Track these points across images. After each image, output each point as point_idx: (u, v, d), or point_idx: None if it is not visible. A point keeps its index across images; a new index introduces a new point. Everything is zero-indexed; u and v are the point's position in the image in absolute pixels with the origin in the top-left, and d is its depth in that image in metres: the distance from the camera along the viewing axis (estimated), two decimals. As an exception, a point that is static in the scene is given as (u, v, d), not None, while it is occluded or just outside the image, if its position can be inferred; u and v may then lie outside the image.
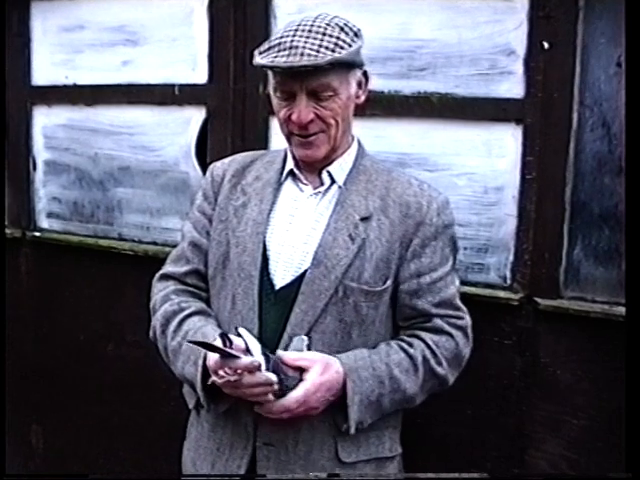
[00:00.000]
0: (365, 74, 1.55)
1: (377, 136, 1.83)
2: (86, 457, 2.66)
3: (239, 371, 1.34)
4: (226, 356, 1.33)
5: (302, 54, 1.38)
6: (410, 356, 1.52)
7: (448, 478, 1.91)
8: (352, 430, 1.47)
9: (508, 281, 1.92)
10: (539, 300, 1.86)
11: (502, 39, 1.85)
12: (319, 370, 1.42)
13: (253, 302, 1.52)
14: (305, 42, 1.39)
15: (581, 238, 1.84)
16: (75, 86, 2.54)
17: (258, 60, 1.44)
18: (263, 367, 1.35)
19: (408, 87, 1.96)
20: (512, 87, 1.85)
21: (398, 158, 1.98)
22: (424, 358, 1.52)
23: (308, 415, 1.44)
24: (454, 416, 1.98)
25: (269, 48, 1.43)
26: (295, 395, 1.40)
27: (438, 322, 1.56)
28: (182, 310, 1.59)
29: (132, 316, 2.35)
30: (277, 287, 1.53)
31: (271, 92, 1.52)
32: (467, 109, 1.90)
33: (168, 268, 1.71)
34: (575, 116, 1.80)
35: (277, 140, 2.15)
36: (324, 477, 1.52)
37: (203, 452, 1.63)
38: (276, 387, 1.38)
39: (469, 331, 1.61)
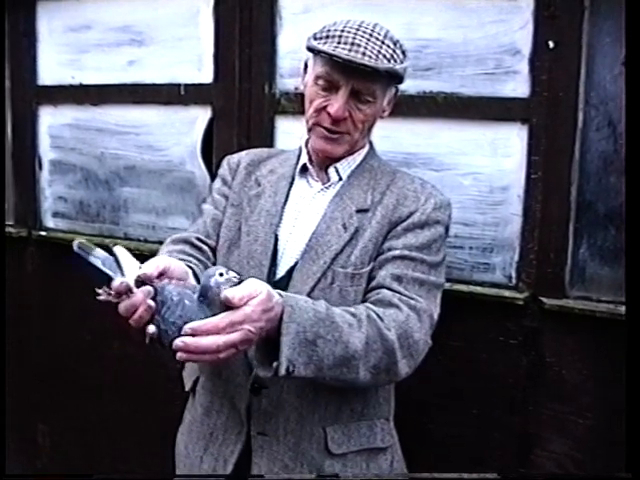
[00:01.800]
0: (396, 92, 1.58)
1: (383, 136, 1.83)
2: (92, 456, 2.67)
3: (112, 292, 1.23)
4: (104, 274, 1.25)
5: (364, 54, 1.40)
6: (352, 313, 1.36)
7: (448, 478, 1.91)
8: (282, 370, 1.23)
9: (513, 280, 1.92)
10: (544, 299, 1.86)
11: (507, 39, 1.85)
12: (264, 298, 1.21)
13: None
14: (367, 43, 1.41)
15: (587, 237, 1.84)
16: (81, 86, 2.55)
17: (316, 45, 1.44)
18: (136, 290, 1.22)
19: (414, 87, 1.96)
20: (517, 87, 1.86)
21: (404, 158, 1.99)
22: (368, 316, 1.36)
23: (236, 351, 1.21)
24: (459, 416, 1.98)
25: (327, 37, 1.43)
26: (234, 314, 1.19)
27: (387, 294, 1.42)
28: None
29: (138, 315, 2.36)
30: (277, 277, 1.53)
31: (309, 80, 1.52)
32: (472, 109, 1.91)
33: (187, 234, 1.64)
34: (581, 115, 1.80)
35: (283, 140, 2.17)
36: (323, 478, 1.52)
37: (195, 436, 1.63)
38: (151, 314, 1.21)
39: (425, 318, 1.43)
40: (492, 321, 1.91)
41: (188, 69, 2.33)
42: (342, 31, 1.43)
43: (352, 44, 1.40)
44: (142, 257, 2.37)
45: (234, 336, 1.17)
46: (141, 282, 1.24)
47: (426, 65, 1.95)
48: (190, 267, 1.43)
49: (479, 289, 1.92)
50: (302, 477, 1.50)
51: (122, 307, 1.24)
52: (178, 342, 1.17)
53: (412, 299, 1.43)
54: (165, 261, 1.31)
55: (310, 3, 2.09)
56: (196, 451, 1.62)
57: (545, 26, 1.80)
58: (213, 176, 2.25)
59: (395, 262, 1.47)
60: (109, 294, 1.25)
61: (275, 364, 1.24)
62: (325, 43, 1.43)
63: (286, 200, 1.60)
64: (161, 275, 1.27)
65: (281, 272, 1.54)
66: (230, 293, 1.18)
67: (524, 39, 1.83)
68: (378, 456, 1.58)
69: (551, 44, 1.79)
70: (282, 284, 1.50)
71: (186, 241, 1.61)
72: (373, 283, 1.48)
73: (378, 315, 1.38)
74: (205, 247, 1.62)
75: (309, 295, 1.45)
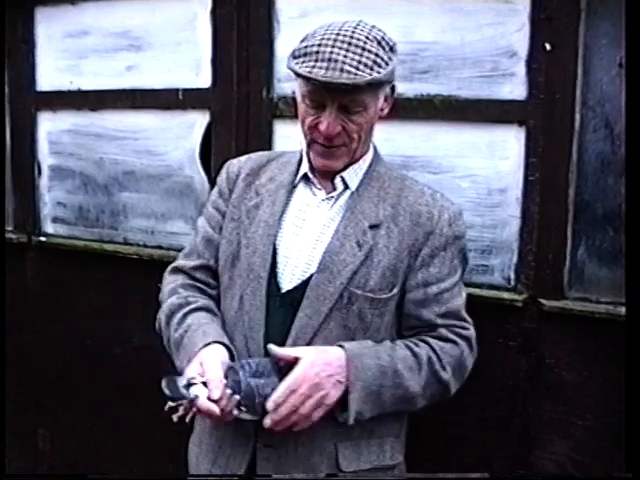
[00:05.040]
0: (392, 88, 1.55)
1: (381, 139, 1.83)
2: (93, 461, 2.67)
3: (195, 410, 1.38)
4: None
5: (342, 69, 1.35)
6: (415, 354, 1.50)
7: (448, 478, 1.91)
8: (351, 420, 1.43)
9: (512, 282, 1.92)
10: (543, 301, 1.86)
11: (504, 41, 1.85)
12: (311, 354, 1.42)
13: (261, 303, 1.52)
14: (345, 56, 1.36)
15: (585, 239, 1.85)
16: (80, 91, 2.56)
17: (294, 67, 1.40)
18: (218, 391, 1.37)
19: (411, 89, 1.96)
20: (514, 89, 1.86)
21: (402, 161, 1.99)
22: (429, 359, 1.50)
23: (320, 405, 1.41)
24: (460, 417, 1.98)
25: (305, 54, 1.39)
26: (284, 384, 1.39)
27: (443, 331, 1.55)
28: (188, 304, 1.60)
29: (138, 320, 2.36)
30: (283, 290, 1.53)
31: (298, 97, 1.50)
32: (470, 111, 1.91)
33: (179, 261, 1.73)
34: (578, 117, 1.81)
35: (281, 144, 2.17)
36: (324, 477, 1.52)
37: (205, 448, 1.64)
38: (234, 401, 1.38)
39: (474, 342, 1.61)
40: (491, 323, 1.90)
41: (186, 74, 2.33)
42: (319, 45, 1.38)
43: (329, 60, 1.36)
44: (142, 262, 2.40)
45: (299, 399, 1.39)
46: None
47: (423, 68, 1.95)
48: (208, 308, 1.62)
49: (478, 291, 1.92)
50: (307, 477, 1.51)
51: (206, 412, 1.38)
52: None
53: (463, 328, 1.59)
54: (217, 358, 1.45)
55: (307, 7, 2.10)
56: (205, 463, 1.63)
57: (542, 28, 1.80)
58: (212, 180, 2.26)
59: (437, 300, 1.55)
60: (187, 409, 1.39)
61: (344, 417, 1.44)
62: (303, 62, 1.38)
63: (285, 209, 1.59)
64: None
65: (287, 284, 1.53)
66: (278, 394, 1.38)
67: (521, 41, 1.84)
68: (387, 474, 1.61)
69: (548, 46, 1.79)
70: (293, 298, 1.51)
71: (183, 272, 1.70)
72: (422, 323, 1.56)
73: (437, 354, 1.52)
74: (199, 274, 1.68)
75: (327, 316, 1.49)
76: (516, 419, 1.93)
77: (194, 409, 1.36)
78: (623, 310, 1.76)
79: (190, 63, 2.32)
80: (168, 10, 2.34)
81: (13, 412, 2.69)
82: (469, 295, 1.80)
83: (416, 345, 1.52)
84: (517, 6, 1.83)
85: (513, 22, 1.84)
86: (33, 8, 2.60)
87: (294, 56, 1.42)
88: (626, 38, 1.68)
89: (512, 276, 1.92)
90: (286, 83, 2.14)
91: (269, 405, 1.37)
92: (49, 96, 2.64)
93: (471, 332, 1.60)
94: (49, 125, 2.66)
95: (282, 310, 1.52)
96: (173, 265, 1.74)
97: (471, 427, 1.98)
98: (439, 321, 1.55)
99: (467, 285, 1.92)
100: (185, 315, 1.58)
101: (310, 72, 1.37)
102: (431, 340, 1.54)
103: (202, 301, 1.62)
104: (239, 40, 2.20)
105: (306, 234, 1.55)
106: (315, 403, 1.39)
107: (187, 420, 1.39)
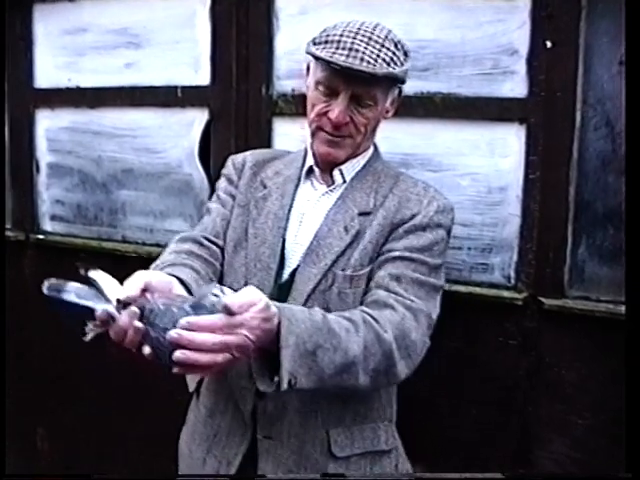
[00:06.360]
0: (399, 92, 1.57)
1: (380, 137, 1.83)
2: (92, 460, 2.66)
3: (98, 323, 1.19)
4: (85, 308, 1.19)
5: (362, 59, 1.39)
6: (348, 318, 1.32)
7: (449, 478, 1.91)
8: (284, 384, 1.19)
9: (512, 281, 1.92)
10: (543, 300, 1.85)
11: (505, 39, 1.85)
12: (262, 307, 1.18)
13: (269, 295, 1.46)
14: (365, 48, 1.40)
15: (585, 237, 1.84)
16: (78, 89, 2.55)
17: (314, 51, 1.43)
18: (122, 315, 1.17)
19: (411, 87, 1.95)
20: (515, 87, 1.85)
21: (401, 159, 1.99)
22: (364, 320, 1.33)
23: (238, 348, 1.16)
24: (458, 416, 1.98)
25: (326, 42, 1.42)
26: (233, 317, 1.14)
27: (382, 295, 1.41)
28: (174, 264, 1.45)
29: (136, 318, 2.35)
30: (282, 281, 1.53)
31: (311, 84, 1.51)
32: (470, 109, 1.90)
33: (192, 232, 1.62)
34: (578, 115, 1.80)
35: (280, 141, 2.16)
36: (328, 477, 1.52)
37: (198, 438, 1.62)
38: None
39: (422, 319, 1.41)
40: (491, 322, 1.90)
41: (185, 71, 2.32)
42: (341, 35, 1.42)
43: (350, 49, 1.39)
44: (140, 260, 2.39)
45: (230, 338, 1.13)
46: (125, 303, 1.18)
47: (423, 65, 1.95)
48: (195, 269, 1.44)
49: (478, 290, 1.92)
50: (307, 476, 1.50)
51: (112, 334, 1.21)
52: (173, 333, 1.12)
53: (409, 299, 1.41)
54: (144, 277, 1.23)
55: (307, 4, 2.09)
56: (199, 452, 1.61)
57: (542, 26, 1.80)
58: (211, 178, 2.26)
59: (395, 262, 1.46)
60: (96, 325, 1.21)
61: (276, 379, 1.20)
62: (324, 49, 1.42)
63: (292, 203, 1.59)
64: (144, 291, 1.21)
65: (286, 275, 1.54)
66: (230, 300, 1.14)
67: (521, 39, 1.83)
68: (382, 459, 1.58)
69: (548, 44, 1.79)
70: (285, 287, 1.51)
71: (194, 240, 1.57)
72: (371, 284, 1.47)
73: (373, 317, 1.35)
74: (214, 247, 1.59)
75: (309, 297, 1.47)
76: (515, 418, 1.93)
77: (98, 323, 1.20)
78: (623, 309, 1.75)
79: (189, 60, 2.32)
80: (167, 7, 2.33)
81: (10, 411, 2.68)
82: (469, 294, 1.80)
83: (348, 312, 1.37)
84: (518, 3, 1.83)
85: (514, 20, 1.84)
86: (31, 5, 2.59)
87: (314, 43, 1.45)
88: (626, 36, 1.68)
89: (512, 274, 1.92)
90: (285, 81, 2.14)
91: (181, 321, 1.13)
92: (47, 93, 2.63)
93: (419, 305, 1.41)
94: (47, 122, 2.65)
95: (279, 300, 1.50)
96: (186, 233, 1.62)
97: (470, 426, 1.98)
98: (385, 281, 1.42)
99: (467, 283, 1.93)
100: (163, 268, 1.42)
101: (331, 57, 1.40)
102: (365, 308, 1.39)
103: (193, 263, 1.48)
104: (238, 37, 2.19)
105: (306, 228, 1.56)
106: (231, 358, 1.16)
107: (90, 336, 1.22)
